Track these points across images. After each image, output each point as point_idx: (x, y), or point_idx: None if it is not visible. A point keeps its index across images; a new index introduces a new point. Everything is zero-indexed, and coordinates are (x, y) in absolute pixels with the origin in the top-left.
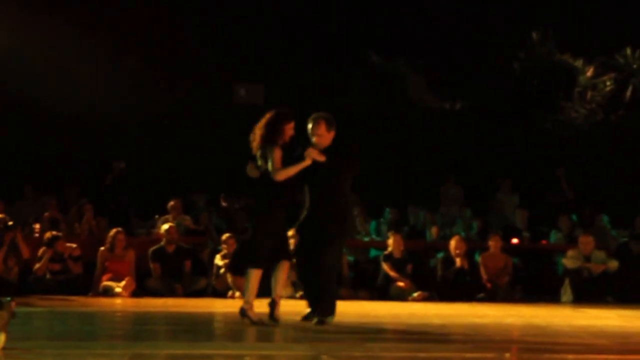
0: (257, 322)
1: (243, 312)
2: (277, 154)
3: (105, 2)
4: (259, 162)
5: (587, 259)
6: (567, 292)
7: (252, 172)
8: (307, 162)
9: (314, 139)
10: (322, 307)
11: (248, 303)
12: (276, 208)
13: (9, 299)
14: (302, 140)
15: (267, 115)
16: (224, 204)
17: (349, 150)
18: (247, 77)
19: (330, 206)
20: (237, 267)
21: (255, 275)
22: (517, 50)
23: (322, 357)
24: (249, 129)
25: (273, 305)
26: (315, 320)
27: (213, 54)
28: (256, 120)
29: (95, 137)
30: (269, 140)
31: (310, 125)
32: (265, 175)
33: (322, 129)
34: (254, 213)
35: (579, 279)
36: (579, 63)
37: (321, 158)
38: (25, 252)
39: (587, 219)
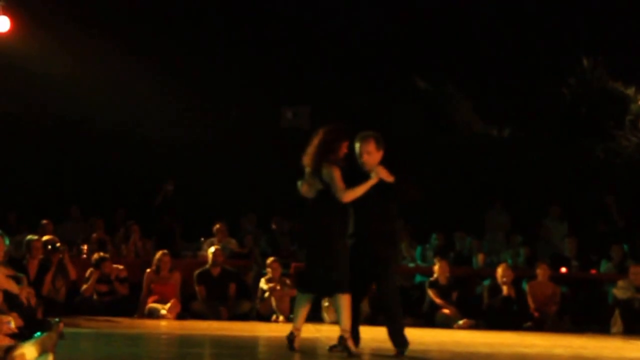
0: (355, 355)
1: (342, 340)
2: (337, 173)
3: (160, 29)
4: (310, 181)
5: (638, 289)
6: (617, 323)
7: (308, 191)
8: (374, 181)
9: (362, 158)
10: (396, 339)
11: (347, 331)
12: (342, 229)
13: (57, 320)
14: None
15: (321, 132)
16: (274, 226)
17: (404, 174)
18: (294, 101)
19: (383, 230)
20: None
21: (347, 300)
22: (568, 76)
23: None
24: (296, 151)
25: (344, 341)
26: (395, 353)
27: (261, 78)
28: (303, 143)
29: (144, 159)
30: (325, 158)
31: (358, 144)
32: (323, 195)
33: (372, 146)
34: (318, 234)
35: (629, 310)
36: (630, 91)
37: (390, 178)
38: (72, 273)
39: (639, 249)
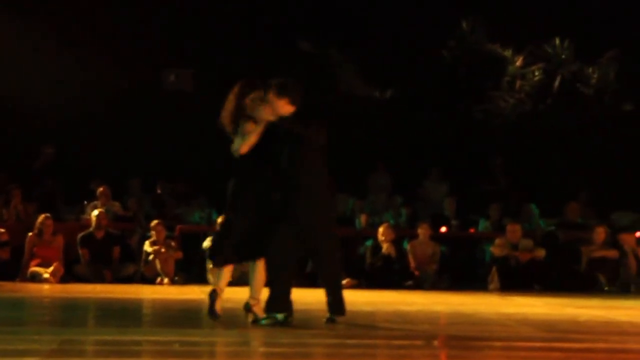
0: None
1: (248, 307)
2: (248, 126)
3: None
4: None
5: (515, 247)
6: (494, 280)
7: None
8: (261, 126)
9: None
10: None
11: (255, 299)
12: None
13: None
14: None
15: (234, 89)
16: (159, 190)
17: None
18: (176, 64)
19: (307, 184)
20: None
21: (263, 266)
22: (447, 39)
23: (250, 343)
24: (179, 114)
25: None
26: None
27: (142, 42)
28: (186, 105)
29: (23, 122)
30: (240, 115)
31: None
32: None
33: (271, 95)
34: (244, 198)
35: (506, 267)
36: (508, 53)
37: (269, 116)
38: None
39: (515, 208)
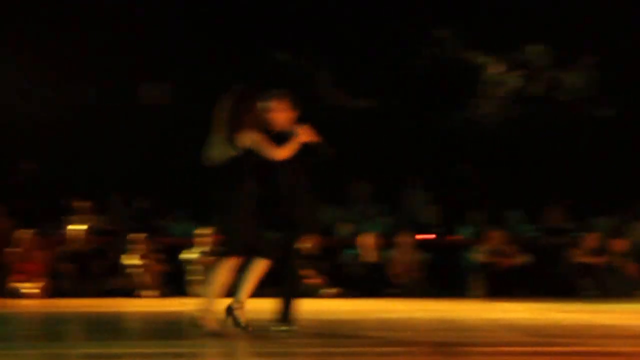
0: (244, 327)
1: (230, 311)
2: (259, 137)
3: (16, 3)
4: (222, 148)
5: (497, 253)
6: (475, 286)
7: (219, 157)
8: (300, 140)
9: (275, 117)
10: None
11: (239, 302)
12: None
13: None
14: None
15: (231, 98)
16: (138, 203)
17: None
18: (153, 77)
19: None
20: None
21: (263, 268)
22: (422, 47)
23: (236, 353)
24: (157, 127)
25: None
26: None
27: (120, 55)
28: (163, 119)
29: (2, 139)
30: (241, 124)
31: (269, 103)
32: (237, 161)
33: (286, 104)
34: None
35: (488, 273)
36: (485, 60)
37: (315, 137)
38: None
39: (496, 214)
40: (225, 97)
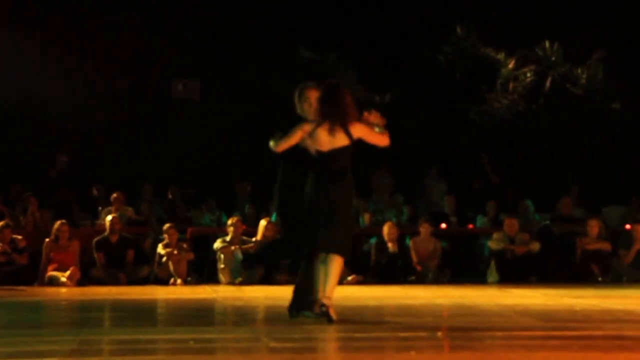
0: (334, 320)
1: (325, 308)
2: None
3: (49, 2)
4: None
5: (512, 240)
6: (492, 273)
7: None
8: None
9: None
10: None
11: (329, 298)
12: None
13: None
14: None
15: (339, 90)
16: (170, 194)
17: None
18: (184, 74)
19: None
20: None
21: (340, 265)
22: (443, 44)
23: (262, 339)
24: (187, 122)
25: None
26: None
27: (152, 52)
28: (194, 114)
29: (37, 132)
30: (352, 115)
31: (317, 93)
32: (346, 150)
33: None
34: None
35: (503, 260)
36: (501, 56)
37: (383, 120)
38: None
39: (511, 204)
40: (322, 89)
